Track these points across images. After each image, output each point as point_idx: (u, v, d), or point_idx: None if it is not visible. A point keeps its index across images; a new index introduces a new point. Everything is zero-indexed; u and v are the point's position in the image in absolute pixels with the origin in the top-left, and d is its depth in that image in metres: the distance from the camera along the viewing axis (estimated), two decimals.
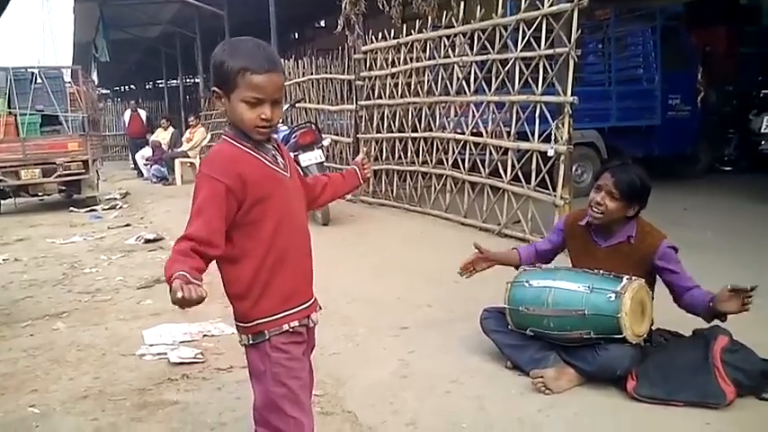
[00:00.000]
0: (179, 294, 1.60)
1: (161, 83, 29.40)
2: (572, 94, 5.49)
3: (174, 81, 25.97)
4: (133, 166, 18.10)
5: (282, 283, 1.89)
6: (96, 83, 21.55)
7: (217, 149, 1.87)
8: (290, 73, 11.46)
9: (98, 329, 4.18)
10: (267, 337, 1.88)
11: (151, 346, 3.78)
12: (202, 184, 1.80)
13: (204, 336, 3.88)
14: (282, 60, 10.67)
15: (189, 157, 13.64)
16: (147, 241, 7.04)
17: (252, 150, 1.86)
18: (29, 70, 10.40)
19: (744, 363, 2.76)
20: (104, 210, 10.02)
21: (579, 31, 5.52)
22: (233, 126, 1.87)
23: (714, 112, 9.91)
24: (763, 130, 7.09)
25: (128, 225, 8.39)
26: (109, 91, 34.11)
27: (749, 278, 4.47)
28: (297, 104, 10.00)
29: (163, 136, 14.56)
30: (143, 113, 17.95)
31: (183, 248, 1.75)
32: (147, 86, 33.62)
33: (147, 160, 14.57)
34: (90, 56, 19.60)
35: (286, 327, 1.90)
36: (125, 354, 3.71)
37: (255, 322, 1.88)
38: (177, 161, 13.42)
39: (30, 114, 9.98)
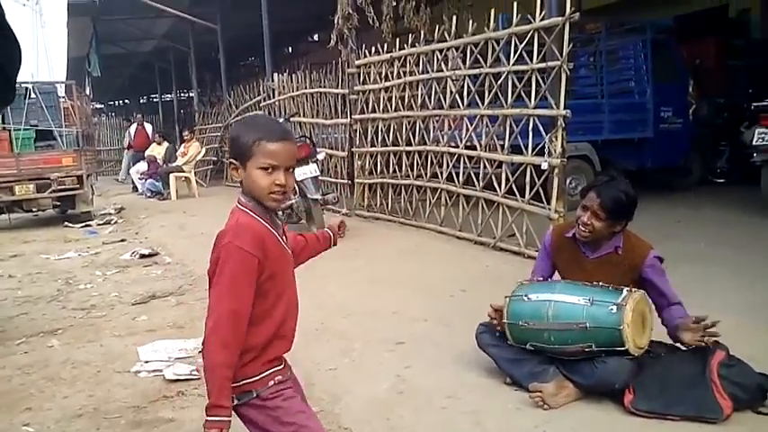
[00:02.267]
0: None
1: (155, 97, 29.46)
2: (565, 107, 5.52)
3: (169, 95, 26.00)
4: (123, 178, 18.11)
5: (276, 350, 1.95)
6: (90, 97, 21.54)
7: (244, 222, 1.88)
8: (284, 87, 11.52)
9: (93, 346, 4.16)
10: (255, 395, 1.90)
11: (146, 362, 3.77)
12: (232, 257, 1.82)
13: (200, 351, 3.87)
14: (276, 74, 10.74)
15: (184, 171, 13.63)
16: (143, 256, 7.03)
17: (269, 225, 1.91)
18: (23, 85, 10.38)
19: (740, 377, 2.77)
20: (99, 225, 9.99)
21: (571, 45, 5.56)
22: (248, 196, 1.91)
23: (706, 125, 9.96)
24: (754, 143, 7.12)
25: (123, 240, 8.37)
26: (103, 105, 34.15)
27: (741, 290, 4.52)
28: (291, 118, 10.02)
29: (158, 150, 14.56)
30: (149, 127, 17.97)
31: (226, 339, 1.80)
32: (141, 101, 33.65)
33: (141, 175, 14.55)
34: (84, 70, 19.64)
35: (272, 383, 1.93)
36: (120, 371, 3.70)
37: (242, 383, 1.89)
38: (172, 176, 13.40)
39: (24, 129, 9.97)
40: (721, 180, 9.93)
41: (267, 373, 1.92)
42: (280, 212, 2.05)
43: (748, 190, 7.73)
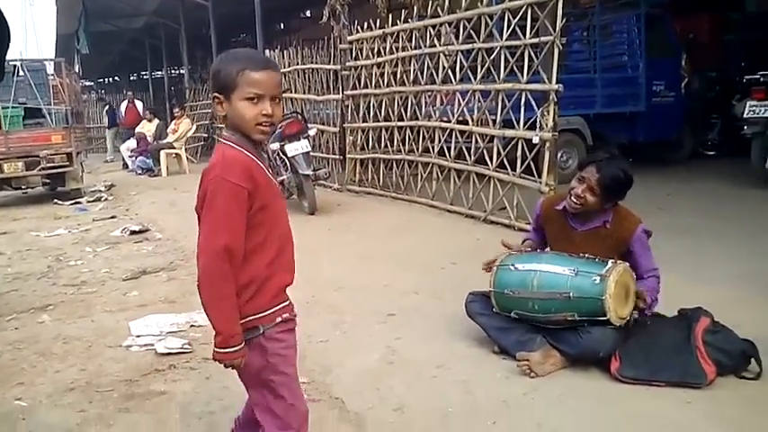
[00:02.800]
0: (237, 363, 1.86)
1: (145, 74, 29.13)
2: (557, 82, 5.51)
3: (159, 72, 25.73)
4: (111, 157, 17.99)
5: (278, 282, 1.94)
6: (80, 75, 21.32)
7: (230, 155, 1.86)
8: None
9: (84, 322, 4.17)
10: (261, 332, 1.90)
11: (138, 337, 3.78)
12: (223, 189, 1.80)
13: (191, 326, 3.88)
14: (268, 50, 10.63)
15: (174, 148, 13.56)
16: (133, 233, 7.02)
17: (255, 157, 1.89)
18: (11, 63, 10.26)
19: (724, 343, 2.80)
20: (89, 202, 9.95)
21: (564, 20, 5.54)
22: (233, 130, 1.89)
23: (698, 98, 9.98)
24: (745, 116, 7.14)
25: (113, 217, 8.35)
26: (93, 83, 33.80)
27: (729, 260, 4.56)
28: (283, 95, 9.96)
29: (148, 128, 14.47)
30: (139, 104, 17.82)
31: (225, 272, 1.80)
32: (131, 78, 33.30)
33: (132, 152, 14.48)
34: (73, 48, 19.41)
35: (279, 319, 1.94)
36: (111, 345, 3.71)
37: (249, 318, 1.88)
38: (163, 152, 13.34)
39: (12, 107, 9.88)
40: (712, 153, 9.97)
41: (274, 309, 1.93)
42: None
43: (739, 162, 7.77)
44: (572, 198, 3.06)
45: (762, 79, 7.11)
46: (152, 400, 2.99)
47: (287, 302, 1.98)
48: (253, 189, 1.82)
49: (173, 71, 26.72)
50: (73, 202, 9.94)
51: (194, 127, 14.65)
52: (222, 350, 1.83)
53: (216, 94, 1.86)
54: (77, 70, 20.27)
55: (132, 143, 14.60)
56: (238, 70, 1.82)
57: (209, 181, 1.82)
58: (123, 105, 17.83)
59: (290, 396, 1.97)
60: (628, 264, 2.96)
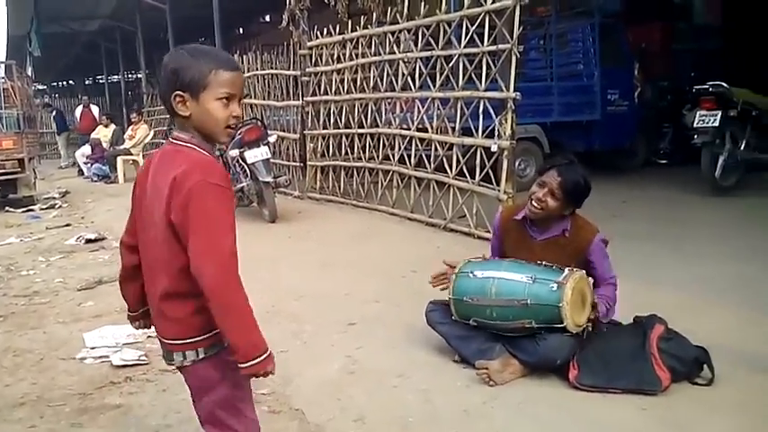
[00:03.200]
0: (270, 370, 1.76)
1: (101, 78, 28.59)
2: (515, 90, 5.58)
3: (116, 76, 25.30)
4: (66, 163, 17.57)
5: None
6: (32, 78, 20.80)
7: (201, 157, 1.77)
8: None
9: (36, 333, 4.06)
10: (225, 346, 1.80)
11: (92, 348, 3.70)
12: (213, 193, 1.71)
13: (148, 336, 3.79)
14: None
15: (131, 154, 13.31)
16: (89, 241, 6.86)
17: (216, 161, 1.86)
18: None
19: (678, 350, 2.87)
20: (42, 209, 9.70)
21: (521, 28, 5.61)
22: (192, 131, 1.79)
23: (650, 107, 10.21)
24: (695, 125, 7.34)
25: (68, 225, 8.15)
26: (46, 87, 33.00)
27: (681, 266, 4.68)
28: (242, 100, 9.87)
29: (104, 133, 14.17)
30: (95, 109, 17.43)
31: (239, 277, 1.72)
32: (86, 82, 32.64)
33: (87, 158, 14.16)
34: (25, 50, 18.94)
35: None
36: (65, 358, 3.61)
37: (214, 332, 1.79)
38: (119, 159, 13.08)
39: None
40: (665, 161, 10.21)
41: None
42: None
43: (690, 170, 7.98)
44: (533, 203, 3.09)
45: (710, 89, 7.31)
46: (106, 413, 2.92)
47: None
48: (230, 193, 1.79)
49: (129, 75, 26.29)
50: (25, 209, 9.66)
51: (152, 133, 14.39)
52: (255, 361, 1.71)
53: (179, 93, 1.74)
54: (30, 73, 19.77)
55: (87, 149, 14.28)
56: (211, 69, 1.74)
57: (193, 187, 1.68)
58: (78, 110, 17.43)
59: (249, 410, 1.93)
60: (584, 272, 3.01)
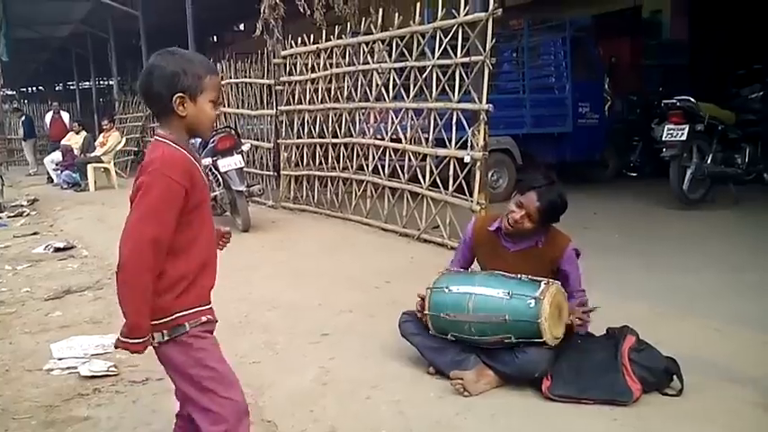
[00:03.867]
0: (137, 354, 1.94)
1: (72, 85, 28.20)
2: (487, 102, 5.63)
3: (87, 83, 24.95)
4: (34, 170, 17.25)
5: (205, 280, 2.02)
6: (1, 83, 20.43)
7: (170, 152, 1.93)
8: None
9: (1, 344, 3.97)
10: (187, 329, 1.96)
11: (60, 359, 3.62)
12: (158, 184, 1.87)
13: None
14: None
15: (102, 162, 13.12)
16: (57, 250, 6.74)
17: (192, 157, 1.99)
18: None
19: (649, 361, 2.90)
20: (10, 217, 9.50)
21: (494, 40, 5.67)
22: (176, 130, 1.96)
23: (620, 121, 10.39)
24: (664, 138, 7.48)
25: (36, 233, 8.00)
26: (15, 92, 32.43)
27: (651, 277, 4.75)
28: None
29: (75, 140, 13.94)
30: (66, 116, 17.15)
31: (149, 262, 1.86)
32: (57, 88, 32.14)
33: (57, 165, 13.92)
34: None
35: (204, 318, 2.00)
36: (31, 369, 3.54)
37: (175, 315, 1.94)
38: (90, 166, 12.87)
39: None
40: (634, 173, 10.37)
41: (200, 308, 1.99)
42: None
43: (659, 183, 8.11)
44: (509, 222, 3.12)
45: (678, 104, 7.45)
46: (74, 426, 2.87)
47: (210, 305, 2.05)
48: (190, 188, 1.91)
49: (101, 82, 25.96)
50: None
51: (124, 140, 14.21)
52: (128, 339, 1.89)
53: (181, 95, 1.91)
54: None
55: (57, 156, 14.04)
56: (206, 73, 1.95)
57: (148, 173, 1.87)
58: (48, 116, 17.13)
59: (222, 390, 2.00)
60: (560, 283, 3.04)
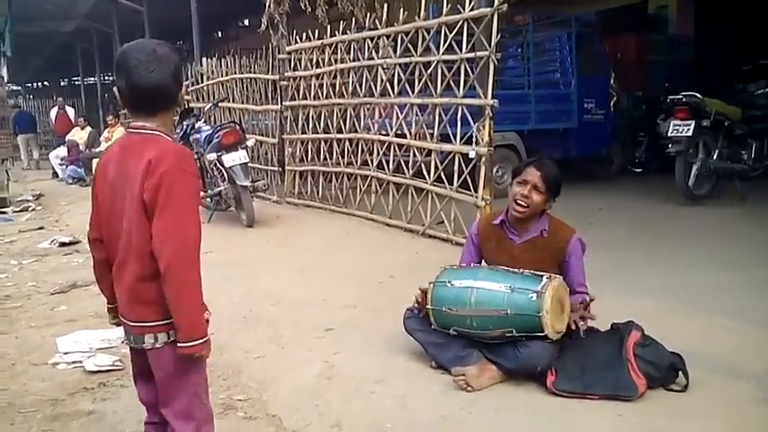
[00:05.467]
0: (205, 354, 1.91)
1: (77, 80, 28.24)
2: (492, 97, 5.62)
3: (92, 78, 24.98)
4: (28, 166, 17.25)
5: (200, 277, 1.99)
6: (6, 79, 20.45)
7: (172, 145, 1.92)
8: (213, 72, 11.26)
9: (7, 338, 3.98)
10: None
11: (65, 354, 3.64)
12: (183, 180, 1.84)
13: (123, 341, 3.76)
14: (205, 59, 10.46)
15: None
16: (63, 245, 6.75)
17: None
18: None
19: (654, 356, 2.90)
20: (15, 212, 9.53)
21: (499, 36, 5.66)
22: (162, 123, 1.94)
23: (625, 117, 10.35)
24: (669, 134, 7.45)
25: (41, 228, 8.02)
26: (20, 87, 32.52)
27: (656, 274, 4.74)
28: (220, 104, 9.83)
29: (80, 135, 13.98)
30: (71, 111, 17.18)
31: (197, 261, 1.84)
32: (61, 83, 32.22)
33: (62, 160, 13.97)
34: None
35: (206, 315, 1.96)
36: (37, 363, 3.55)
37: None
38: (95, 161, 12.90)
39: None
40: (639, 170, 10.34)
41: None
42: (208, 200, 2.16)
43: (664, 179, 8.08)
44: (518, 201, 3.12)
45: (684, 99, 7.43)
46: (79, 420, 2.88)
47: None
48: (199, 180, 1.94)
49: (106, 77, 25.98)
50: None
51: None
52: (195, 342, 1.84)
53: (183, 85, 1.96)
54: (3, 74, 19.44)
55: (62, 151, 14.09)
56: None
57: (166, 171, 1.80)
58: (53, 112, 17.17)
59: (204, 396, 2.02)
60: (561, 277, 3.04)
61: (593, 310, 3.11)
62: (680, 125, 7.32)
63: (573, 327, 2.98)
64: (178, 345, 1.84)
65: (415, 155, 6.70)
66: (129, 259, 1.88)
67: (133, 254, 1.86)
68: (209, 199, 7.36)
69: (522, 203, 3.11)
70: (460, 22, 5.91)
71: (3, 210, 9.64)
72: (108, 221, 1.95)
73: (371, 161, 7.38)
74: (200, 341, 1.84)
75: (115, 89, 1.98)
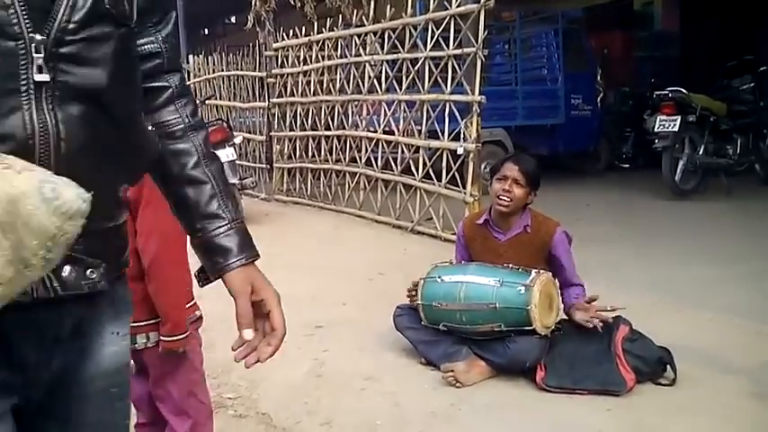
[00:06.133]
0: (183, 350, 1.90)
1: None
2: (480, 94, 5.62)
3: None
4: None
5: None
6: None
7: None
8: (199, 69, 11.19)
9: None
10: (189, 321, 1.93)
11: None
12: None
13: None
14: (192, 56, 10.37)
15: None
16: None
17: None
18: None
19: (642, 351, 2.91)
20: None
21: (486, 32, 5.66)
22: None
23: (612, 112, 10.38)
24: (656, 130, 7.48)
25: None
26: None
27: (643, 268, 4.77)
28: (207, 101, 9.77)
29: None
30: None
31: (182, 256, 1.82)
32: None
33: None
34: None
35: (198, 313, 1.98)
36: None
37: None
38: None
39: None
40: (626, 165, 10.38)
41: (192, 300, 1.96)
42: None
43: (651, 174, 8.13)
44: (500, 197, 3.12)
45: (670, 95, 7.46)
46: None
47: (194, 301, 2.01)
48: None
49: None
50: None
51: None
52: (178, 337, 1.84)
53: None
54: None
55: None
56: None
57: None
58: None
59: (202, 395, 2.01)
60: (551, 273, 3.05)
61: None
62: (666, 120, 7.35)
63: (590, 327, 2.94)
64: (161, 339, 1.85)
65: (403, 151, 6.69)
66: None
67: None
68: None
69: (506, 198, 3.11)
70: (447, 18, 5.91)
71: None
72: None
73: (360, 158, 7.37)
74: (183, 336, 1.85)
75: None
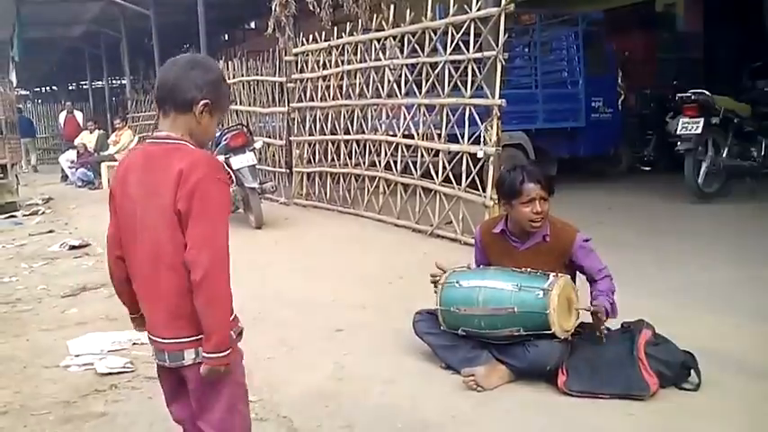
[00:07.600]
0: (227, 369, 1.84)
1: (85, 84, 28.37)
2: (500, 97, 5.61)
3: (100, 82, 25.09)
4: (26, 170, 17.33)
5: None
6: (15, 84, 20.59)
7: (207, 155, 1.92)
8: None
9: (18, 341, 4.00)
10: (233, 337, 1.87)
11: (77, 356, 3.65)
12: (217, 188, 1.82)
13: (134, 344, 3.77)
14: None
15: (116, 160, 13.19)
16: (72, 248, 6.79)
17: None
18: None
19: (666, 355, 2.89)
20: (25, 216, 9.59)
21: (506, 35, 5.64)
22: (181, 132, 1.86)
23: (634, 115, 10.29)
24: (678, 132, 7.41)
25: (51, 231, 8.06)
26: (29, 92, 32.69)
27: (665, 273, 4.71)
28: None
29: (89, 139, 14.07)
30: (79, 115, 17.29)
31: (229, 269, 1.81)
32: (70, 88, 32.37)
33: (72, 163, 14.05)
34: (7, 55, 18.75)
35: (241, 326, 1.94)
36: (48, 366, 3.57)
37: None
38: (104, 165, 12.97)
39: None
40: (648, 168, 10.28)
41: (234, 314, 1.91)
42: None
43: (673, 177, 8.04)
44: (534, 220, 3.06)
45: (693, 97, 7.38)
46: (91, 422, 2.89)
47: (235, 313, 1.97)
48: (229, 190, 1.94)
49: (114, 81, 26.10)
50: (7, 215, 9.54)
51: (136, 138, 14.30)
52: (222, 354, 1.78)
53: (209, 102, 1.86)
54: (12, 78, 19.58)
55: (72, 154, 14.17)
56: (228, 101, 2.03)
57: (201, 179, 1.76)
58: (62, 116, 17.29)
59: (244, 408, 1.98)
60: (569, 276, 3.03)
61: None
62: (689, 123, 7.27)
63: (599, 335, 2.94)
64: (205, 356, 1.78)
65: (422, 155, 6.69)
66: (161, 274, 1.82)
67: (165, 268, 1.80)
68: None
69: (539, 219, 3.09)
70: (467, 22, 5.91)
71: (13, 213, 9.70)
72: (133, 233, 1.88)
73: (379, 162, 7.38)
74: (227, 352, 1.79)
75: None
